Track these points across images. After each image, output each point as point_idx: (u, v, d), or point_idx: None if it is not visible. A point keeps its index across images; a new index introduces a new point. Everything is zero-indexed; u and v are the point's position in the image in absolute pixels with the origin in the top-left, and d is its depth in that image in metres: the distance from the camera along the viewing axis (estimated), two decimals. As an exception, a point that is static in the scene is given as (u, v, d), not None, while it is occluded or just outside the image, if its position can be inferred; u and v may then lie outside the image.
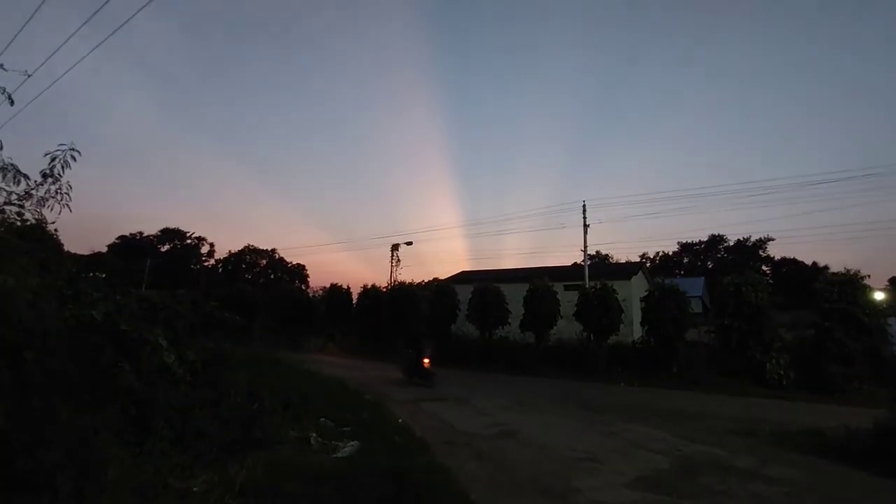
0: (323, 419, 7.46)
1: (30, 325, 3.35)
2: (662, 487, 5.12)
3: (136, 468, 4.10)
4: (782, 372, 14.78)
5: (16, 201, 4.32)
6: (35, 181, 4.25)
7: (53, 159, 4.25)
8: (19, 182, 4.19)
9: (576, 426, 8.22)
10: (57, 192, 4.34)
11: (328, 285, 28.30)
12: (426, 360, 12.89)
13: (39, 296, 3.48)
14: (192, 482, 4.61)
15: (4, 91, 3.75)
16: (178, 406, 5.34)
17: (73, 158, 4.30)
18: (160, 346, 3.91)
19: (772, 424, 8.29)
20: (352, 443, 6.50)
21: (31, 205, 4.31)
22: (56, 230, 5.54)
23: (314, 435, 6.56)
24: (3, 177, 4.13)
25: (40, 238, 5.48)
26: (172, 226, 59.94)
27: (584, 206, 24.15)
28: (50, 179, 4.27)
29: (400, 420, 8.10)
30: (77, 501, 3.42)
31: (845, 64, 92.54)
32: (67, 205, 4.40)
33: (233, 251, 61.26)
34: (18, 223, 4.46)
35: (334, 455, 5.90)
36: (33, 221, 4.75)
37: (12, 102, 3.89)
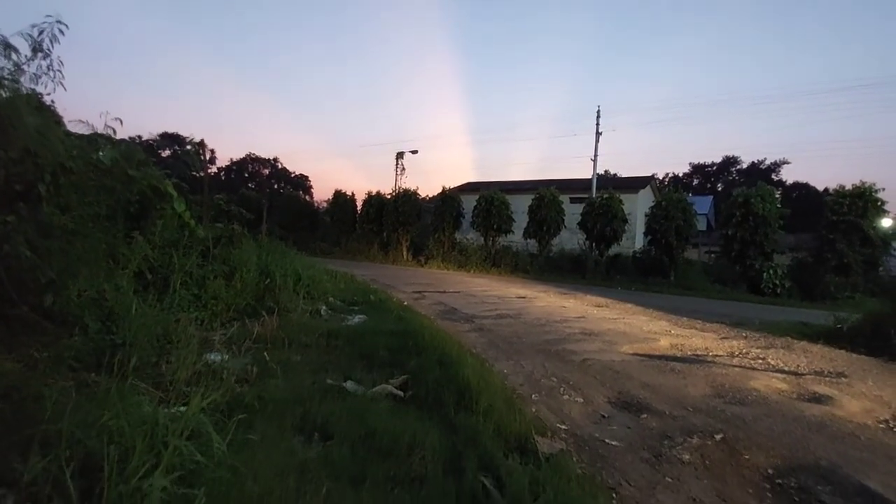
0: (332, 298, 7.79)
1: (41, 158, 3.31)
2: (654, 355, 5.43)
3: (159, 318, 4.34)
4: (778, 282, 15.12)
5: (7, 76, 4.14)
6: (25, 56, 4.05)
7: (41, 32, 4.00)
8: (9, 56, 4.00)
9: (575, 312, 8.57)
10: (49, 69, 4.16)
11: (332, 194, 28.12)
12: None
13: (43, 134, 3.42)
14: (212, 334, 4.92)
15: None
16: (193, 273, 5.57)
17: (62, 32, 4.06)
18: (170, 196, 3.93)
19: (763, 321, 8.61)
20: (360, 316, 6.84)
21: (24, 80, 4.15)
22: (52, 101, 5.37)
23: (324, 307, 6.88)
24: None
25: (38, 107, 5.31)
26: (171, 130, 58.46)
27: (598, 111, 23.19)
28: (41, 54, 4.06)
29: (405, 303, 8.45)
30: (106, 337, 3.62)
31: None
32: (61, 82, 4.23)
33: (234, 159, 60.36)
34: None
35: (343, 324, 6.24)
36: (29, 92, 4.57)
37: None
